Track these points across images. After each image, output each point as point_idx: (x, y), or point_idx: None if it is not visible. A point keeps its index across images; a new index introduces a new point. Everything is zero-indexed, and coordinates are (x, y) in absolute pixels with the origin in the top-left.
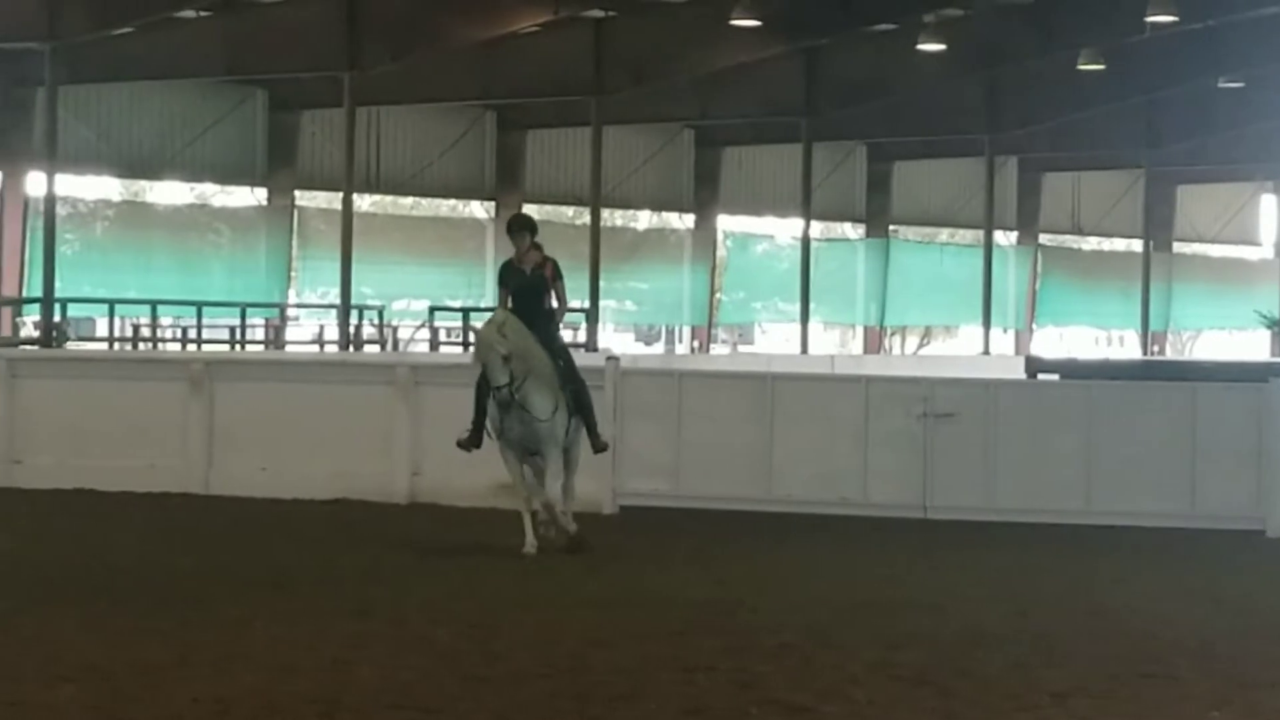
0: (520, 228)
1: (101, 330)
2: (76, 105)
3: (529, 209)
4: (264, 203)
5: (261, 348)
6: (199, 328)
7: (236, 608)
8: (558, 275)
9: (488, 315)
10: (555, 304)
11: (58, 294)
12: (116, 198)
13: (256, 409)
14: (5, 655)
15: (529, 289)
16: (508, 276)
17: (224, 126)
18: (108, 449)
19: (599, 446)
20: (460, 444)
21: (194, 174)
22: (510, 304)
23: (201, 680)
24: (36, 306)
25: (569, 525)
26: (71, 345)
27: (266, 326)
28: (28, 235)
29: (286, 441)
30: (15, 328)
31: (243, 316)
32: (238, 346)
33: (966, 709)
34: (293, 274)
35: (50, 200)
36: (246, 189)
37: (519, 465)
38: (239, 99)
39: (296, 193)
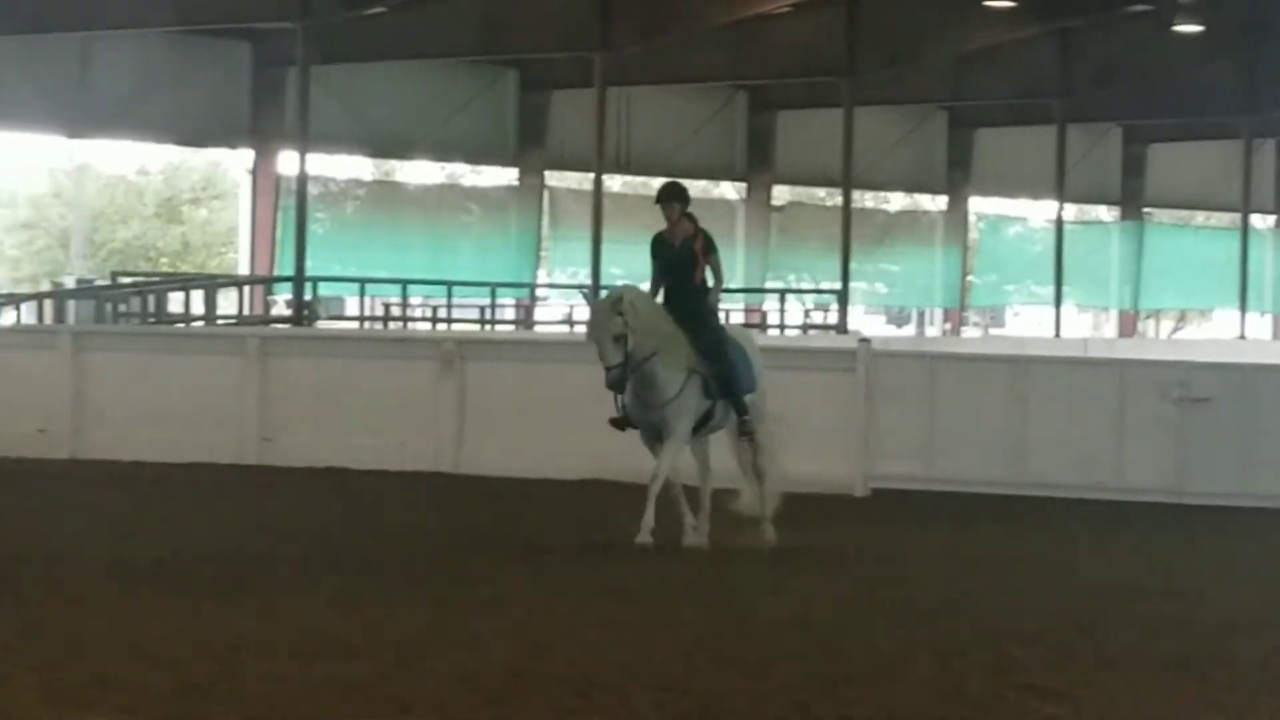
0: (669, 197)
1: (352, 309)
2: (329, 85)
3: (780, 190)
4: (514, 182)
5: (511, 328)
6: (449, 307)
7: (489, 586)
8: (710, 249)
9: (738, 296)
10: (711, 280)
11: (309, 273)
12: (368, 177)
13: (507, 389)
14: (261, 632)
15: (678, 263)
16: (656, 250)
17: (475, 106)
18: (358, 427)
19: (744, 430)
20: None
21: (445, 153)
22: (661, 280)
23: (455, 657)
24: (288, 285)
25: (769, 534)
26: (322, 324)
27: (516, 306)
28: (279, 214)
29: (537, 421)
30: (267, 306)
31: (492, 296)
32: (488, 326)
33: (1224, 696)
34: (542, 254)
35: (302, 179)
36: (497, 168)
37: (656, 447)
38: (490, 79)
39: (547, 173)
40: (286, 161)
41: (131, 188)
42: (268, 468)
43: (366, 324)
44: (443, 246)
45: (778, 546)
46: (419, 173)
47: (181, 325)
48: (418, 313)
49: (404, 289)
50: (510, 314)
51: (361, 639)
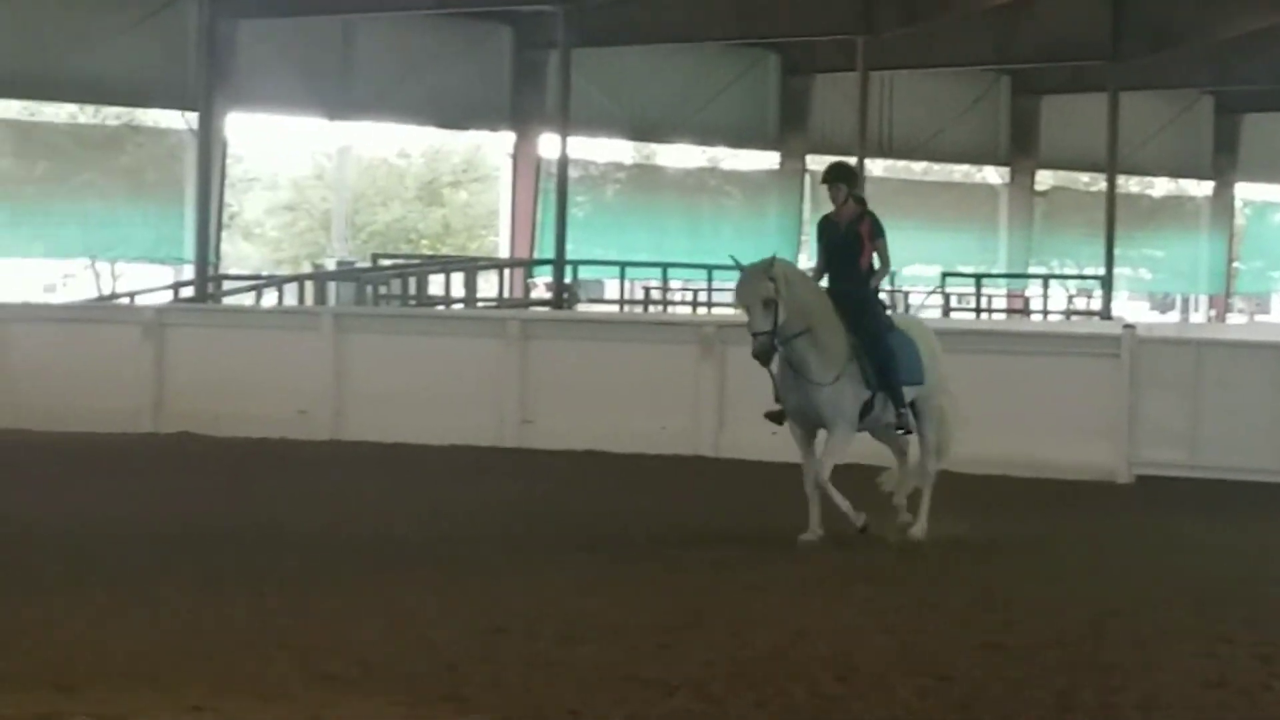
0: (834, 178)
1: (611, 293)
2: (589, 68)
3: (1043, 175)
4: (775, 166)
5: None
6: (709, 291)
7: (749, 570)
8: (877, 233)
9: (1001, 282)
10: (877, 264)
11: (569, 256)
12: (628, 160)
13: (768, 374)
14: (522, 614)
15: (842, 246)
16: (822, 232)
17: (736, 90)
18: (618, 411)
19: (899, 425)
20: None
21: (705, 137)
22: (825, 263)
23: (717, 641)
24: (548, 268)
25: (919, 529)
26: (582, 307)
27: None
28: (540, 198)
29: None
30: (527, 289)
31: None
32: None
33: None
34: (803, 238)
35: (563, 163)
36: (757, 152)
37: (804, 441)
38: (751, 62)
39: (808, 157)
40: (547, 144)
41: (393, 170)
42: (527, 450)
43: (626, 308)
44: (702, 230)
45: (1039, 534)
46: (679, 156)
47: (441, 308)
48: (677, 297)
49: (664, 272)
50: None
51: (623, 622)
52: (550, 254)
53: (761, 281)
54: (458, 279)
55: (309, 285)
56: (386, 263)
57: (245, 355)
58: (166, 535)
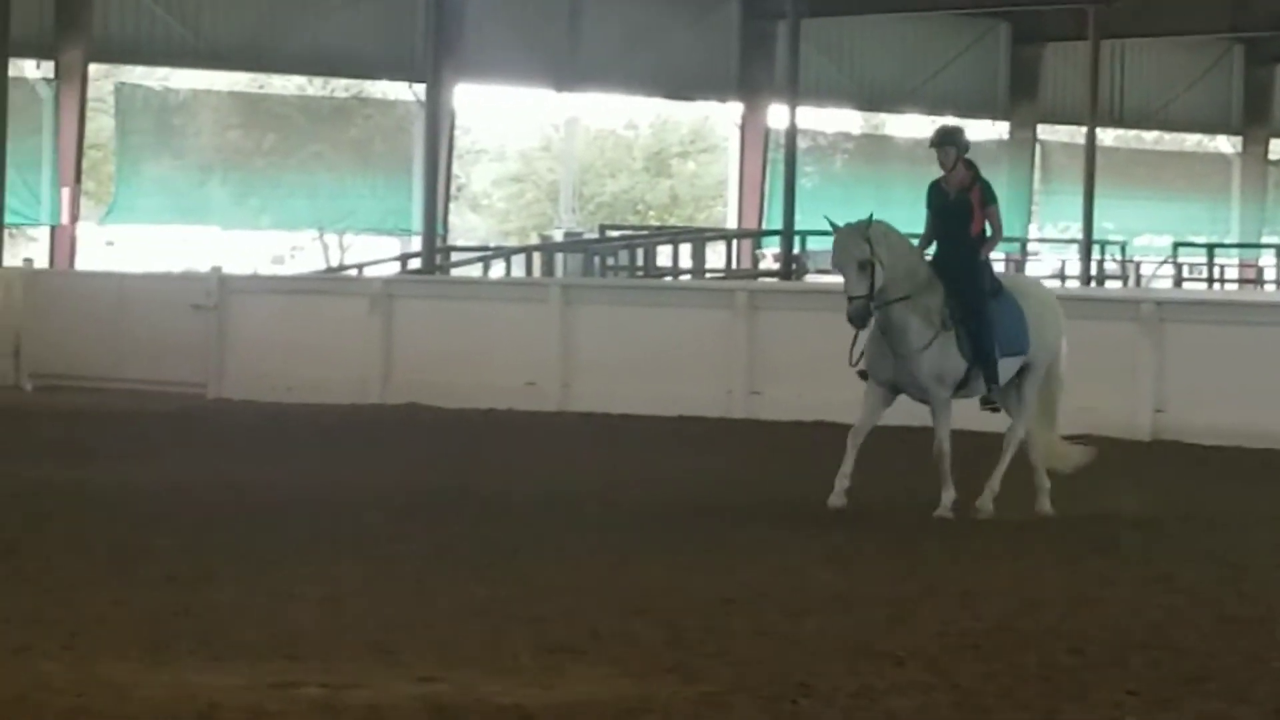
0: (943, 141)
1: None
2: (817, 38)
3: (1277, 144)
4: (1005, 136)
5: None
6: None
7: (983, 541)
8: (988, 199)
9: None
10: (989, 232)
11: (797, 227)
12: (856, 130)
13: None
14: (750, 586)
15: (951, 212)
16: (931, 198)
17: (965, 59)
18: (848, 382)
19: (985, 401)
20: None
21: (934, 107)
22: (935, 229)
23: (947, 612)
24: (776, 239)
25: (987, 504)
26: (810, 278)
27: (1006, 261)
28: (767, 168)
29: None
30: (755, 260)
31: None
32: None
33: None
34: (1033, 208)
35: (791, 133)
36: (988, 122)
37: (878, 403)
38: (981, 31)
39: (1039, 126)
40: (775, 115)
41: (620, 141)
42: (755, 421)
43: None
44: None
45: (1274, 506)
46: (907, 126)
47: (669, 279)
48: None
49: None
50: (998, 268)
51: (852, 593)
52: (778, 225)
53: (857, 243)
54: (685, 250)
55: (536, 257)
56: (614, 234)
57: (473, 327)
58: (396, 505)
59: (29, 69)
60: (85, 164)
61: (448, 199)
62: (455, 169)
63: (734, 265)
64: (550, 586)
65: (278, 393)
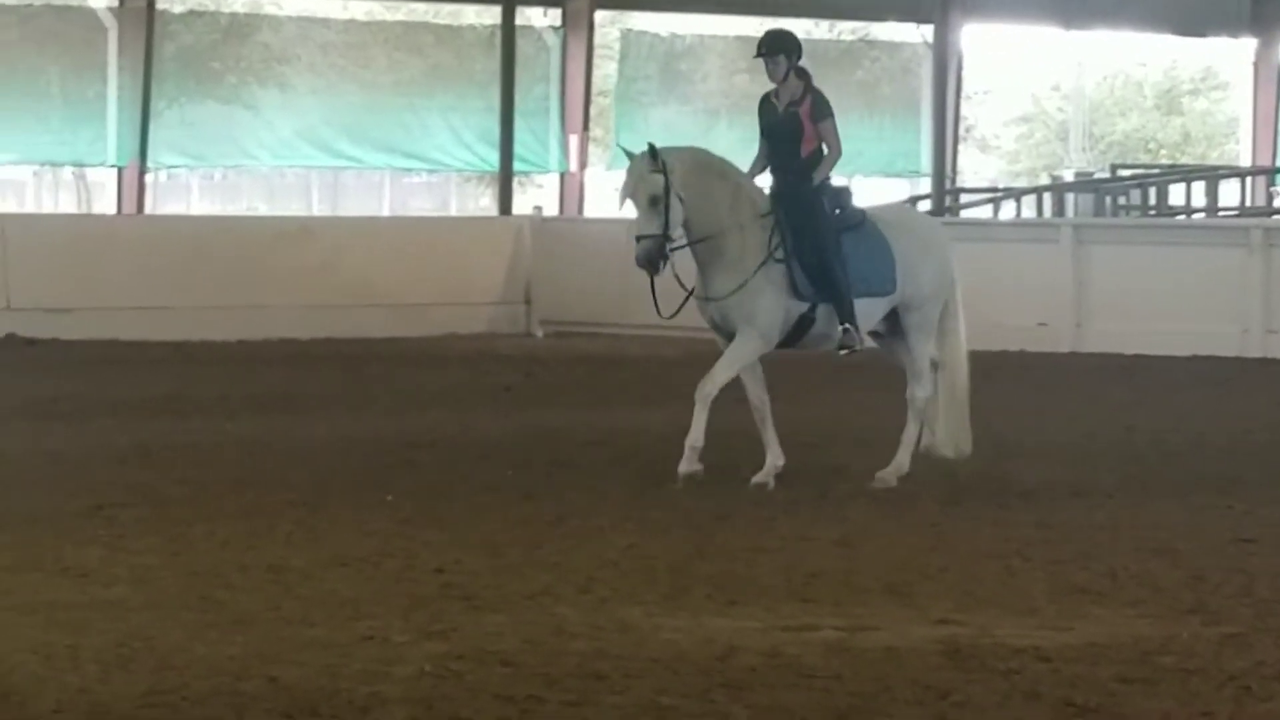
0: (772, 49)
1: None
2: None
3: None
4: None
5: None
6: None
7: None
8: (821, 114)
9: None
10: (825, 151)
11: None
12: None
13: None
14: (1275, 524)
15: (779, 130)
16: (761, 115)
17: None
18: None
19: (841, 344)
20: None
21: None
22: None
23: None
24: None
25: (890, 470)
26: None
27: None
28: None
29: None
30: (1270, 197)
31: None
32: None
33: None
34: None
35: None
36: None
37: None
38: None
39: None
40: None
41: (1129, 79)
42: (1272, 360)
43: None
44: None
45: None
46: None
47: (1182, 218)
48: None
49: None
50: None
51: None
52: None
53: (645, 175)
54: (1198, 188)
55: (1047, 197)
56: (1125, 173)
57: (984, 267)
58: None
59: (536, 17)
60: (592, 111)
61: (956, 141)
62: (963, 110)
63: (1248, 203)
64: (1065, 527)
65: None
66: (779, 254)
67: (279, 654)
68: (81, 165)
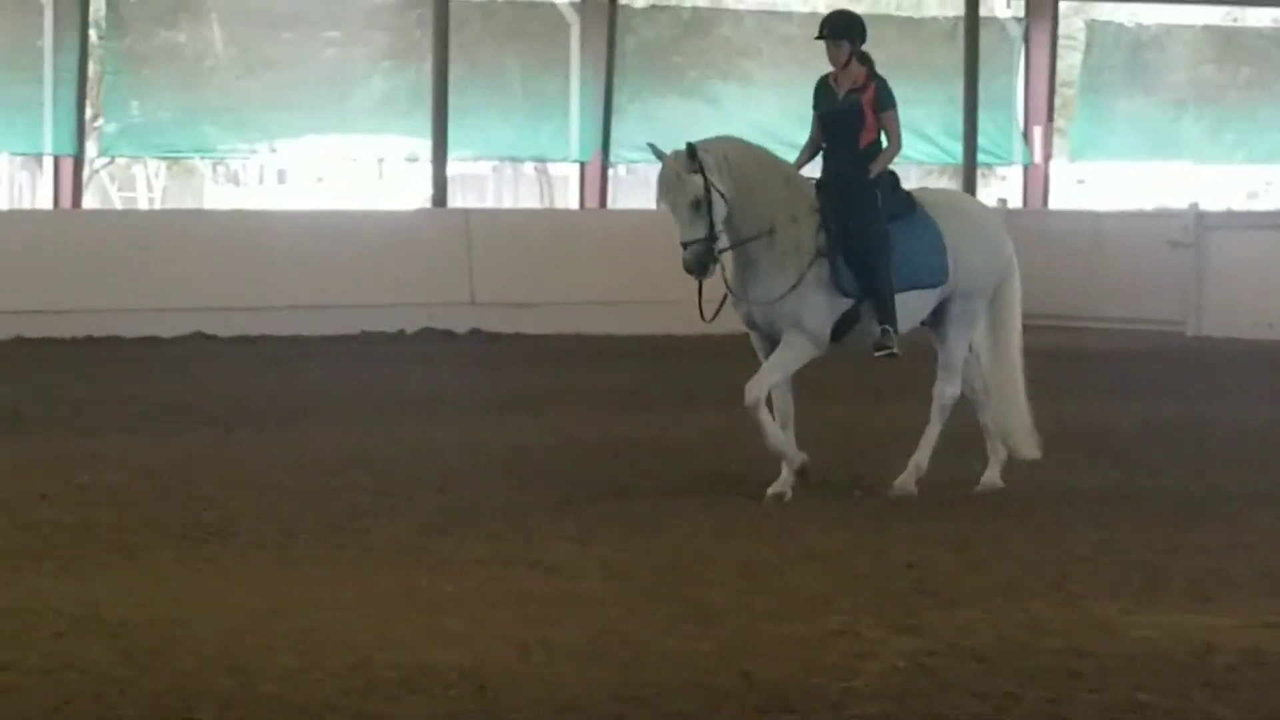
0: (835, 32)
1: None
2: None
3: None
4: None
5: None
6: None
7: None
8: (885, 104)
9: None
10: (885, 143)
11: None
12: None
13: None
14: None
15: (838, 119)
16: (818, 99)
17: None
18: None
19: (879, 345)
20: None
21: None
22: (819, 136)
23: None
24: None
25: (908, 485)
26: None
27: None
28: None
29: None
30: None
31: None
32: None
33: None
34: None
35: None
36: None
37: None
38: None
39: None
40: None
41: None
42: None
43: None
44: None
45: None
46: None
47: None
48: None
49: None
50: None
51: None
52: None
53: (685, 176)
54: None
55: None
56: None
57: None
58: None
59: (999, 7)
60: (1056, 102)
61: None
62: None
63: None
64: None
65: (1259, 330)
66: (825, 249)
67: (751, 649)
68: (544, 160)
